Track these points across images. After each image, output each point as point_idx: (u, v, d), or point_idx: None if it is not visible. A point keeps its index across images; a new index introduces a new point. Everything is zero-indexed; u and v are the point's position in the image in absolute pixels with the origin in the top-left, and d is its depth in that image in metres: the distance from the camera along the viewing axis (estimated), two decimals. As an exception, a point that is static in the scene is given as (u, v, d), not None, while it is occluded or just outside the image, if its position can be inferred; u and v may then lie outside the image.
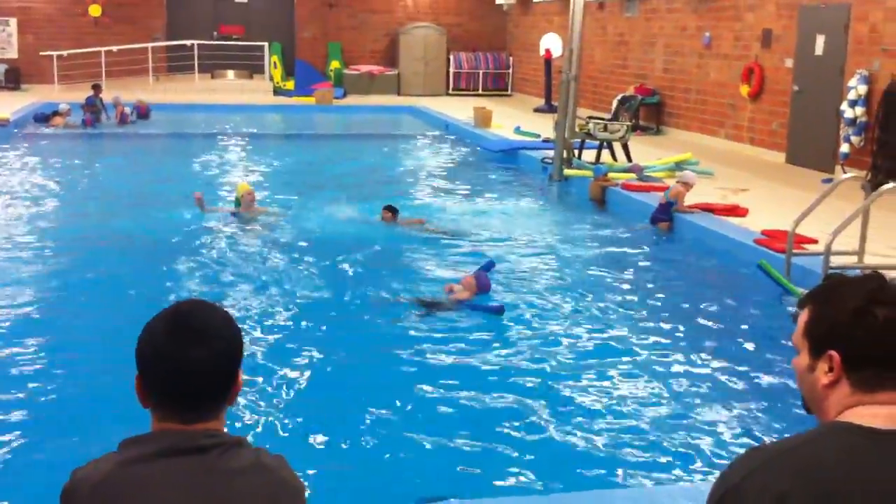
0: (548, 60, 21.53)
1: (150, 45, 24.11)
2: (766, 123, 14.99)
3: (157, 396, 1.87)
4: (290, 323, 7.00)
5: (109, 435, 1.95)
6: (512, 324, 7.07)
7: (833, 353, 1.80)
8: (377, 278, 8.16)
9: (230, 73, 25.71)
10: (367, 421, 5.29)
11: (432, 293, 7.69)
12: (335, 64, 25.69)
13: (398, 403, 5.54)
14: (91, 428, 4.97)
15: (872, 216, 8.05)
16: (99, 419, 5.08)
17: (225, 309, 1.97)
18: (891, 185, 8.17)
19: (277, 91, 24.42)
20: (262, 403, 5.47)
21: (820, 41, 13.54)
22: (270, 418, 5.29)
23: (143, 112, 19.28)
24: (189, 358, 1.82)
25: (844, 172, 11.76)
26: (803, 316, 1.90)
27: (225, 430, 1.93)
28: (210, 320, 1.88)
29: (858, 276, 1.89)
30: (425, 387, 5.80)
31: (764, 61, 14.94)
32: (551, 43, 21.33)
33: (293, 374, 5.96)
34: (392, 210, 10.32)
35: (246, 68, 25.53)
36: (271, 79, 24.83)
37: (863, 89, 12.25)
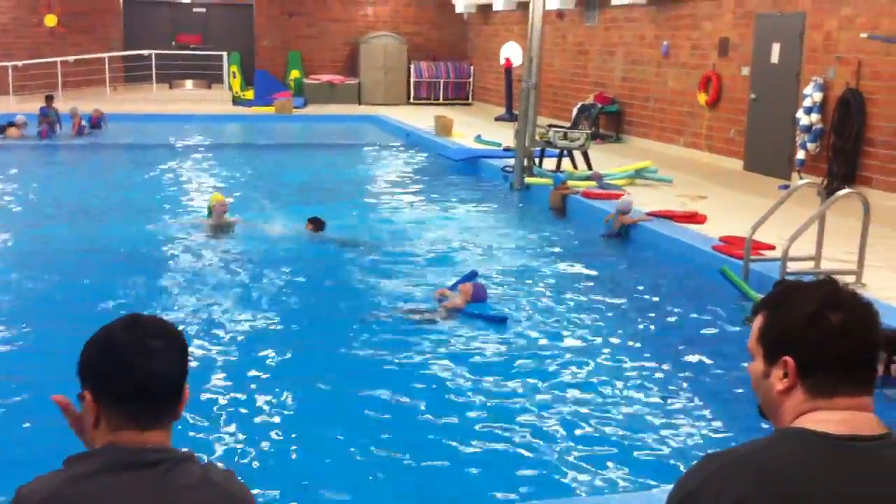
0: (508, 69, 21.60)
1: (106, 55, 23.86)
2: (723, 131, 15.14)
3: (114, 404, 1.84)
4: (272, 337, 6.93)
5: (57, 456, 1.89)
6: (472, 332, 7.05)
7: (788, 358, 1.80)
8: (348, 290, 8.12)
9: (188, 83, 25.52)
10: (354, 435, 5.25)
11: (402, 301, 7.67)
12: (295, 73, 25.58)
13: (382, 416, 5.50)
14: (40, 446, 4.87)
15: (828, 221, 8.14)
16: (50, 436, 4.98)
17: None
18: (846, 190, 8.28)
19: (237, 101, 24.27)
20: (246, 420, 5.40)
21: (776, 49, 13.70)
22: (256, 436, 5.21)
23: (94, 122, 19.00)
24: (150, 349, 1.84)
25: (801, 179, 11.89)
26: (758, 322, 1.90)
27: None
28: (162, 325, 1.92)
29: (812, 282, 1.89)
30: (403, 398, 5.77)
31: (721, 70, 15.09)
32: (511, 52, 21.40)
33: (276, 389, 5.88)
34: (315, 222, 10.14)
35: (204, 78, 25.35)
36: (230, 88, 24.68)
37: (818, 97, 12.41)
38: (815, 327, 1.78)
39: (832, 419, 1.76)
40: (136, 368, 1.82)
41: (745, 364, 1.93)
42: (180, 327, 1.99)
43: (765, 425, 1.90)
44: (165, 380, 1.86)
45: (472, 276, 8.03)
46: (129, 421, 1.84)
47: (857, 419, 1.77)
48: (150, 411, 1.85)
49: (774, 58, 13.74)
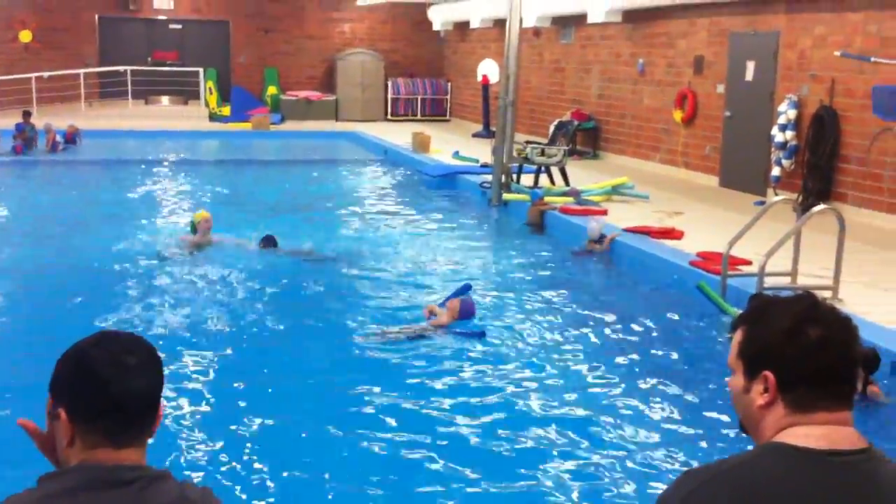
0: (485, 86, 21.66)
1: (81, 71, 23.74)
2: (699, 148, 15.24)
3: (89, 421, 1.81)
4: (252, 354, 6.90)
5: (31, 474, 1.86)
6: (452, 350, 7.03)
7: (768, 373, 1.80)
8: (326, 308, 8.09)
9: (164, 99, 25.41)
10: (337, 452, 5.24)
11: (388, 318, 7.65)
12: (272, 89, 25.54)
13: (366, 434, 5.48)
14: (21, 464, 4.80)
15: (804, 237, 8.20)
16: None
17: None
18: (821, 206, 8.35)
19: (213, 117, 24.17)
20: (224, 438, 5.35)
21: (750, 67, 13.83)
22: (234, 454, 5.17)
23: (69, 138, 18.85)
24: (126, 364, 1.81)
25: (776, 195, 11.99)
26: (737, 337, 1.90)
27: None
28: (136, 340, 1.89)
29: (790, 297, 1.89)
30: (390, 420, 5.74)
31: (696, 87, 15.21)
32: (489, 69, 21.46)
33: (257, 407, 5.84)
34: (267, 240, 10.06)
35: (181, 94, 25.25)
36: (207, 104, 24.60)
37: (792, 114, 12.52)
38: (794, 342, 1.79)
39: (813, 434, 1.76)
40: (111, 385, 1.80)
41: (726, 379, 1.92)
42: (159, 342, 1.96)
43: (731, 434, 1.89)
44: (141, 396, 1.83)
45: (466, 289, 8.00)
46: (104, 439, 1.81)
47: (837, 434, 1.77)
48: (125, 429, 1.83)
49: (749, 75, 13.86)
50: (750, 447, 1.83)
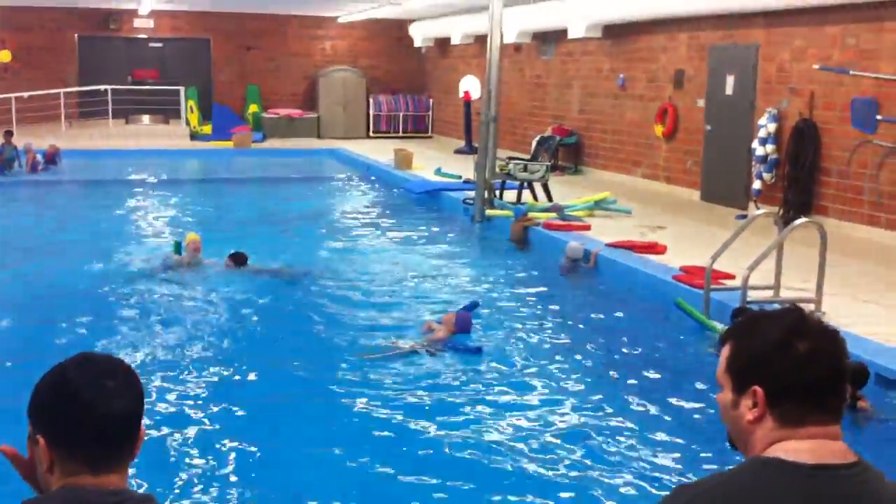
0: (467, 102, 21.72)
1: (62, 90, 23.64)
2: (680, 162, 15.31)
3: (69, 448, 1.77)
4: (240, 372, 6.83)
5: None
6: (435, 366, 7.00)
7: (757, 388, 1.79)
8: (312, 325, 8.05)
9: (145, 118, 25.32)
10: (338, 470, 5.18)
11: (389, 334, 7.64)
12: (253, 107, 25.52)
13: (361, 449, 5.45)
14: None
15: (786, 250, 8.22)
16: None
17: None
18: (802, 220, 8.38)
19: (194, 135, 24.12)
20: (213, 459, 5.30)
21: (730, 81, 13.91)
22: (220, 474, 5.12)
23: (49, 158, 18.74)
24: (108, 392, 1.78)
25: (757, 208, 12.04)
26: (725, 351, 1.90)
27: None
28: (115, 363, 1.86)
29: (778, 310, 1.89)
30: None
31: (677, 101, 15.28)
32: (470, 85, 21.53)
33: (248, 426, 5.81)
34: (236, 257, 9.85)
35: (161, 113, 25.17)
36: (188, 123, 24.54)
37: (773, 127, 12.59)
38: (782, 356, 1.78)
39: (802, 448, 1.76)
40: (92, 410, 1.76)
41: (715, 395, 1.91)
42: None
43: (719, 449, 1.87)
44: (122, 420, 1.80)
45: (473, 306, 7.98)
46: (83, 466, 1.78)
47: (827, 448, 1.76)
48: (105, 455, 1.79)
49: (729, 89, 13.94)
50: (735, 462, 1.82)
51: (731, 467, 1.81)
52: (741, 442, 1.87)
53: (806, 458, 1.74)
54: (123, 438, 1.82)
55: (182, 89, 24.51)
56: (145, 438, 1.89)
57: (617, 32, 16.73)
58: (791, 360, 1.77)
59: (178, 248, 10.21)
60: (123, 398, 1.80)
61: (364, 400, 6.25)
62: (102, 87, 23.80)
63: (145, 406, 1.89)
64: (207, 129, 24.13)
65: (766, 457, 1.77)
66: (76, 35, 25.10)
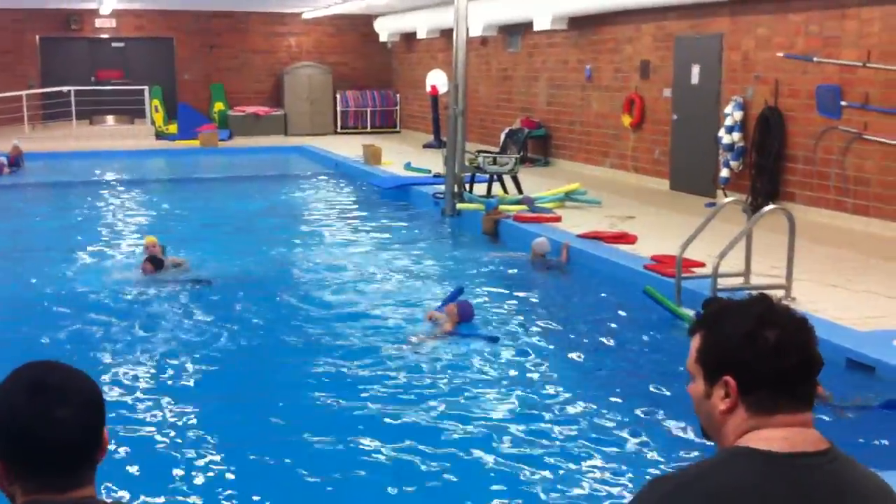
0: (434, 97, 21.68)
1: (24, 92, 23.34)
2: (648, 152, 15.37)
3: (25, 470, 1.72)
4: (224, 378, 6.80)
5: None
6: (408, 360, 6.99)
7: (729, 378, 1.79)
8: (287, 327, 7.99)
9: (110, 119, 25.08)
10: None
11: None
12: (219, 106, 25.33)
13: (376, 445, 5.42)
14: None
15: (755, 237, 8.27)
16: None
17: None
18: (770, 207, 8.44)
19: (160, 135, 23.92)
20: (213, 469, 5.25)
21: (696, 70, 13.98)
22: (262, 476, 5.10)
23: (12, 160, 18.48)
24: (54, 419, 1.69)
25: (726, 196, 12.11)
26: (695, 342, 1.89)
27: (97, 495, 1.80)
28: (65, 378, 1.76)
29: (746, 299, 1.88)
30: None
31: (644, 92, 15.33)
32: (437, 79, 21.48)
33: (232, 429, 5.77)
34: (154, 261, 9.54)
35: (126, 113, 24.93)
36: (153, 123, 24.33)
37: (738, 115, 12.67)
38: (751, 346, 1.78)
39: (775, 437, 1.76)
40: (44, 443, 1.69)
41: (686, 386, 1.90)
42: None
43: (693, 438, 1.87)
44: (78, 449, 1.73)
45: (458, 292, 8.05)
46: (45, 487, 1.72)
47: (799, 435, 1.76)
48: (65, 477, 1.73)
49: (695, 79, 14.01)
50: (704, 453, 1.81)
51: (705, 458, 1.80)
52: (714, 432, 1.87)
53: (779, 446, 1.74)
54: (82, 462, 1.75)
55: (146, 89, 24.28)
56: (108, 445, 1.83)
57: (583, 24, 16.75)
58: (761, 349, 1.77)
59: (161, 252, 10.01)
60: (77, 428, 1.72)
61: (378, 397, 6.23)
62: (65, 89, 23.53)
63: (107, 413, 1.82)
64: (173, 128, 23.93)
65: (741, 447, 1.77)
66: (37, 36, 24.78)
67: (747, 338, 1.78)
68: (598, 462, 5.26)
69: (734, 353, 1.79)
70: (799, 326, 1.80)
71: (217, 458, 5.34)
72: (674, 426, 5.71)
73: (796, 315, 1.81)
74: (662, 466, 5.09)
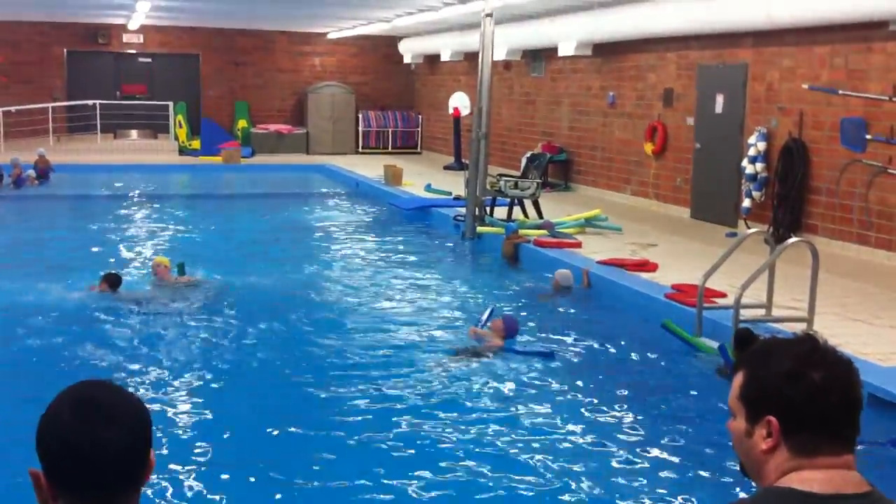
0: (456, 119, 21.76)
1: (50, 105, 23.58)
2: (670, 180, 15.36)
3: (68, 488, 1.72)
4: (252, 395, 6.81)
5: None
6: (426, 383, 6.99)
7: (772, 418, 1.79)
8: (319, 342, 8.01)
9: (133, 133, 25.29)
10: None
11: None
12: (242, 123, 25.50)
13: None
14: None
15: (776, 268, 8.24)
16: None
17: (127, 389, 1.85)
18: (795, 239, 8.41)
19: (183, 151, 24.09)
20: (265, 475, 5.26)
21: (719, 100, 13.98)
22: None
23: (41, 172, 18.68)
24: (99, 441, 1.69)
25: (747, 226, 12.08)
26: (738, 379, 1.89)
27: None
28: (115, 399, 1.77)
29: (791, 338, 1.88)
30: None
31: (666, 120, 15.35)
32: (459, 101, 21.57)
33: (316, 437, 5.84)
34: (110, 279, 9.28)
35: (150, 128, 25.14)
36: (176, 138, 24.50)
37: (762, 146, 12.66)
38: (796, 386, 1.77)
39: (816, 478, 1.75)
40: (89, 463, 1.70)
41: (727, 422, 1.91)
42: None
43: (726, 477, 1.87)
44: (122, 470, 1.74)
45: (493, 312, 8.16)
46: None
47: (841, 477, 1.76)
48: (109, 497, 1.74)
49: (718, 108, 14.01)
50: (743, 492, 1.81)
51: (744, 497, 1.80)
52: (754, 470, 1.86)
53: (820, 487, 1.73)
54: (127, 484, 1.76)
55: (171, 104, 24.48)
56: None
57: (607, 51, 16.80)
58: (805, 390, 1.76)
59: (181, 269, 10.07)
60: (123, 445, 1.72)
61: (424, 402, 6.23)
62: (91, 102, 23.75)
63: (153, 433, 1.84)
64: (196, 144, 24.09)
65: (781, 487, 1.76)
66: (65, 50, 25.04)
67: (792, 378, 1.77)
68: (629, 494, 5.24)
69: (778, 392, 1.79)
70: (844, 368, 1.79)
71: (252, 479, 5.35)
72: (692, 455, 5.68)
73: (842, 357, 1.81)
74: (683, 496, 5.07)
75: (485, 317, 8.15)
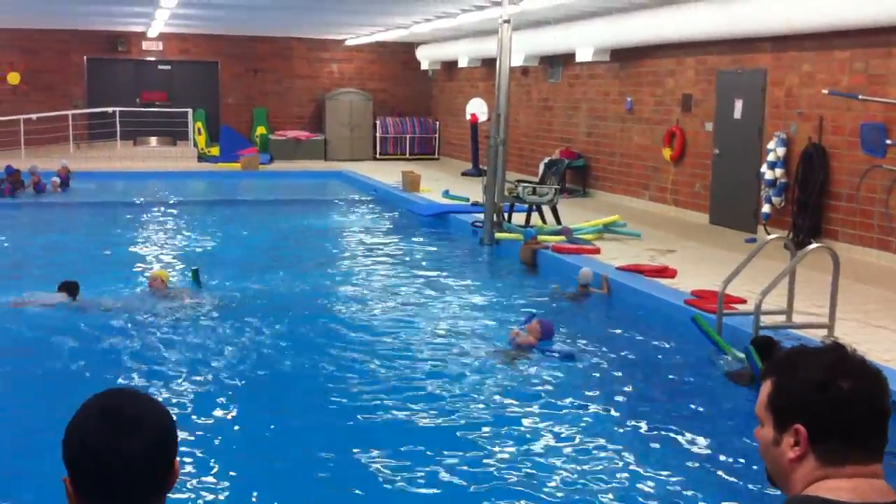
0: (474, 125, 21.78)
1: (70, 112, 23.75)
2: (688, 185, 15.33)
3: (92, 496, 1.74)
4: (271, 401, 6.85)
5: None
6: (449, 388, 7.00)
7: (800, 427, 1.79)
8: (336, 349, 8.04)
9: (153, 140, 25.44)
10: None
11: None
12: (261, 129, 25.62)
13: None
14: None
15: (797, 275, 8.20)
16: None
17: (153, 396, 1.87)
18: (815, 245, 8.37)
19: (202, 157, 24.21)
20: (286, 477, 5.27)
21: (738, 105, 13.94)
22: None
23: (64, 178, 18.83)
24: (123, 451, 1.71)
25: (767, 232, 12.04)
26: (766, 388, 1.89)
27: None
28: (141, 408, 1.78)
29: (820, 347, 1.89)
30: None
31: (685, 125, 15.32)
32: (477, 107, 21.60)
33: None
34: (68, 287, 9.08)
35: (170, 135, 25.29)
36: (195, 145, 24.63)
37: (781, 151, 12.61)
38: (825, 396, 1.78)
39: (844, 487, 1.76)
40: (113, 472, 1.72)
41: (755, 431, 1.91)
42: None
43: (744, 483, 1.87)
44: (146, 479, 1.75)
45: (532, 317, 8.45)
46: None
47: (868, 486, 1.76)
48: None
49: (737, 113, 13.98)
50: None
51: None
52: (781, 479, 1.87)
53: (847, 496, 1.74)
54: (149, 490, 1.77)
55: (190, 111, 24.62)
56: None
57: (624, 56, 16.78)
58: (834, 399, 1.77)
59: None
60: (147, 455, 1.73)
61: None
62: (110, 110, 23.92)
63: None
64: (215, 150, 24.21)
65: (809, 496, 1.77)
66: (84, 57, 25.22)
67: (820, 387, 1.78)
68: (631, 492, 5.24)
69: (806, 401, 1.79)
70: (873, 378, 1.80)
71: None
72: (712, 461, 5.67)
73: (870, 366, 1.82)
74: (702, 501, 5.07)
75: (524, 319, 8.50)
